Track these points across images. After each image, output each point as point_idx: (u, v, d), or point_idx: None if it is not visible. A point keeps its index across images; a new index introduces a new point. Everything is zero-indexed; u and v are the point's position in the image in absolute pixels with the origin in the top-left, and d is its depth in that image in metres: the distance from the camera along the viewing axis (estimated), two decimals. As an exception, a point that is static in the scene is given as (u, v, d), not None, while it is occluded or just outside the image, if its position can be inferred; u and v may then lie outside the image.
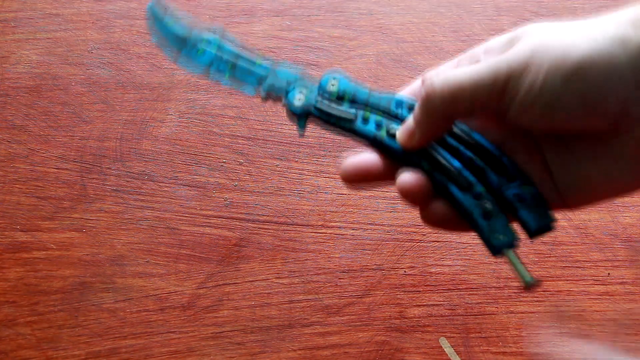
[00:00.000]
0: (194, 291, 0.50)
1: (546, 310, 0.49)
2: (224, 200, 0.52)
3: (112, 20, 0.59)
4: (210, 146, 0.54)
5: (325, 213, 0.52)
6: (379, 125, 0.29)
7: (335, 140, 0.54)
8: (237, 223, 0.52)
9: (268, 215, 0.52)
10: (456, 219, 0.28)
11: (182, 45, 0.32)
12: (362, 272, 0.50)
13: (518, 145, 0.28)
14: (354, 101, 0.30)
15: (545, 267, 0.50)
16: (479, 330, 0.48)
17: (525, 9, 0.59)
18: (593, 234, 0.51)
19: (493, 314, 0.49)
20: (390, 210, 0.52)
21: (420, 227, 0.51)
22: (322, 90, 0.30)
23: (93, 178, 0.53)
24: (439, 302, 0.49)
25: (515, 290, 0.49)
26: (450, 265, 0.50)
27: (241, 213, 0.52)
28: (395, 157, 0.29)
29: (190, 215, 0.52)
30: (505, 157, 0.28)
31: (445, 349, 0.48)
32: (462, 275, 0.50)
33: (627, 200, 0.52)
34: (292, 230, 0.51)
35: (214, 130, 0.55)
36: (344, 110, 0.30)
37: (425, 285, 0.49)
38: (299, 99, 0.30)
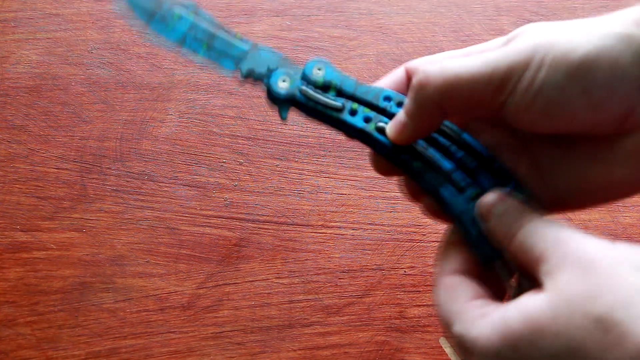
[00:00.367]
0: (194, 291, 0.50)
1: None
2: (224, 200, 0.52)
3: (112, 20, 0.59)
4: (210, 146, 0.54)
5: (325, 213, 0.52)
6: (367, 119, 0.28)
7: (336, 140, 0.54)
8: (237, 223, 0.52)
9: (268, 215, 0.52)
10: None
11: (156, 7, 0.30)
12: (362, 272, 0.50)
13: (509, 147, 0.27)
14: (340, 92, 0.28)
15: (545, 267, 0.50)
16: (479, 330, 0.48)
17: (525, 9, 0.59)
18: (593, 234, 0.51)
19: (493, 314, 0.49)
20: (390, 210, 0.52)
21: (420, 227, 0.51)
22: (306, 77, 0.28)
23: (93, 178, 0.53)
24: (439, 302, 0.49)
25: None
26: (450, 265, 0.50)
27: (241, 213, 0.52)
28: (384, 154, 0.28)
29: (190, 215, 0.52)
30: (497, 159, 0.26)
31: (445, 349, 0.48)
32: (462, 275, 0.50)
33: (627, 200, 0.52)
34: (292, 230, 0.51)
35: (214, 130, 0.55)
36: (332, 98, 0.28)
37: (425, 285, 0.49)
38: (283, 81, 0.28)
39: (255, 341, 0.48)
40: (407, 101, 0.26)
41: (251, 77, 0.29)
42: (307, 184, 0.53)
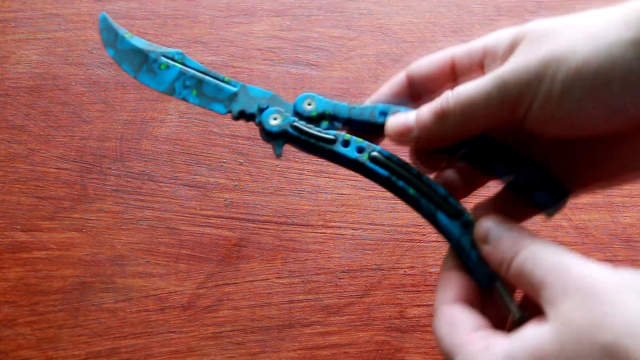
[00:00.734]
0: (194, 291, 0.50)
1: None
2: (224, 200, 0.52)
3: (112, 20, 0.59)
4: (210, 146, 0.54)
5: (325, 213, 0.52)
6: (360, 149, 0.28)
7: (335, 140, 0.54)
8: (237, 223, 0.52)
9: (268, 215, 0.52)
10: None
11: (143, 59, 0.30)
12: (362, 272, 0.50)
13: (526, 147, 0.27)
14: (334, 119, 0.28)
15: (545, 267, 0.50)
16: (479, 330, 0.48)
17: (525, 9, 0.59)
18: (593, 234, 0.51)
19: (493, 314, 0.49)
20: (390, 210, 0.52)
21: (420, 227, 0.51)
22: (298, 113, 0.29)
23: (93, 178, 0.53)
24: (439, 302, 0.49)
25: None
26: (450, 265, 0.50)
27: (241, 213, 0.52)
28: (378, 181, 0.28)
29: (190, 215, 0.52)
30: (507, 146, 0.27)
31: (445, 349, 0.48)
32: (462, 275, 0.50)
33: (627, 200, 0.52)
34: (292, 230, 0.51)
35: (214, 130, 0.55)
36: (324, 131, 0.28)
37: (425, 285, 0.49)
38: (274, 118, 0.28)
39: (255, 341, 0.48)
40: (426, 116, 0.26)
41: (243, 117, 0.29)
42: (307, 184, 0.53)
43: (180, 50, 0.30)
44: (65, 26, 0.59)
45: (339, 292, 0.49)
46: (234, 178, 0.53)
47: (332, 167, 0.53)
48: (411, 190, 0.27)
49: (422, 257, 0.50)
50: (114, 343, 0.48)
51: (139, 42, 0.31)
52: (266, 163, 0.54)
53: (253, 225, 0.51)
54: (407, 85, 0.29)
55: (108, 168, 0.53)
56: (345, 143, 0.28)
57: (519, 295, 0.26)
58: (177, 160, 0.54)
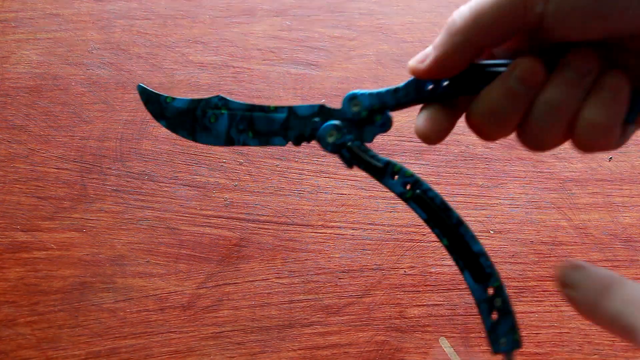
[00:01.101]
0: (194, 291, 0.50)
1: (546, 310, 0.49)
2: (224, 200, 0.52)
3: (112, 20, 0.59)
4: (210, 146, 0.54)
5: (325, 213, 0.52)
6: (405, 184, 0.28)
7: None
8: (237, 223, 0.52)
9: (268, 215, 0.52)
10: None
11: (192, 118, 0.30)
12: (362, 272, 0.50)
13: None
14: (384, 109, 0.28)
15: (545, 267, 0.50)
16: (479, 330, 0.48)
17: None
18: (593, 234, 0.51)
19: (493, 314, 0.49)
20: (390, 210, 0.52)
21: (420, 227, 0.51)
22: (345, 116, 0.28)
23: (93, 178, 0.53)
24: (439, 302, 0.49)
25: (515, 290, 0.49)
26: (451, 265, 0.50)
27: (241, 213, 0.52)
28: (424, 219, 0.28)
29: (190, 215, 0.52)
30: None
31: (445, 349, 0.48)
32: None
33: (627, 200, 0.52)
34: (292, 230, 0.51)
35: (214, 130, 0.55)
36: (375, 157, 0.28)
37: (425, 285, 0.49)
38: (330, 135, 0.28)
39: (255, 341, 0.48)
40: (437, 37, 0.25)
41: (303, 141, 0.29)
42: (307, 184, 0.53)
43: (220, 95, 0.29)
44: (65, 26, 0.59)
45: (339, 292, 0.49)
46: (234, 178, 0.53)
47: (332, 167, 0.53)
48: (445, 241, 0.27)
49: (422, 257, 0.50)
50: (114, 343, 0.48)
51: (182, 102, 0.30)
52: (266, 163, 0.54)
53: (253, 225, 0.51)
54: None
55: (108, 168, 0.53)
56: (393, 175, 0.28)
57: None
58: (177, 160, 0.54)
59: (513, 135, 0.26)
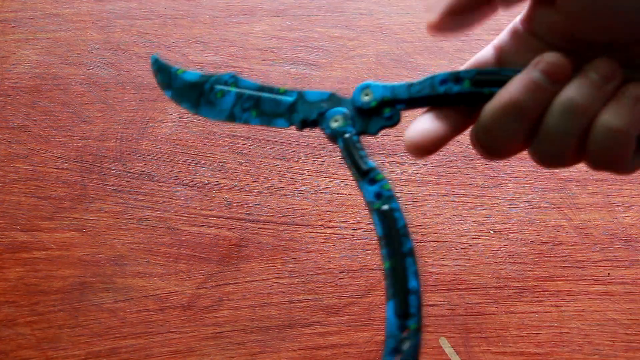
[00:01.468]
0: (194, 291, 0.50)
1: (546, 310, 0.49)
2: (224, 200, 0.52)
3: (112, 20, 0.59)
4: (210, 146, 0.54)
5: (325, 213, 0.52)
6: (379, 195, 0.27)
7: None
8: (237, 223, 0.52)
9: (268, 215, 0.52)
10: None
11: (199, 92, 0.30)
12: (362, 272, 0.50)
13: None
14: (395, 102, 0.27)
15: (545, 267, 0.50)
16: (479, 330, 0.48)
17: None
18: (593, 234, 0.51)
19: (493, 314, 0.49)
20: (390, 210, 0.52)
21: (420, 227, 0.51)
22: (357, 106, 0.28)
23: (93, 178, 0.53)
24: (439, 302, 0.49)
25: (515, 290, 0.49)
26: (450, 265, 0.50)
27: (241, 213, 0.52)
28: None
29: (190, 215, 0.52)
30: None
31: (445, 349, 0.48)
32: (462, 275, 0.50)
33: (627, 200, 0.52)
34: (292, 230, 0.51)
35: (214, 130, 0.55)
36: (363, 159, 0.27)
37: (425, 285, 0.49)
38: (335, 120, 0.28)
39: (255, 341, 0.48)
40: None
41: (306, 126, 0.29)
42: (307, 184, 0.53)
43: (232, 73, 0.30)
44: (65, 26, 0.59)
45: (339, 292, 0.49)
46: (234, 178, 0.53)
47: (332, 167, 0.53)
48: (387, 264, 0.26)
49: (422, 257, 0.50)
50: (114, 343, 0.48)
51: (193, 76, 0.30)
52: (266, 163, 0.54)
53: (253, 225, 0.51)
54: (495, 61, 0.28)
55: (108, 168, 0.53)
56: (372, 181, 0.27)
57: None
58: (177, 160, 0.54)
59: None
